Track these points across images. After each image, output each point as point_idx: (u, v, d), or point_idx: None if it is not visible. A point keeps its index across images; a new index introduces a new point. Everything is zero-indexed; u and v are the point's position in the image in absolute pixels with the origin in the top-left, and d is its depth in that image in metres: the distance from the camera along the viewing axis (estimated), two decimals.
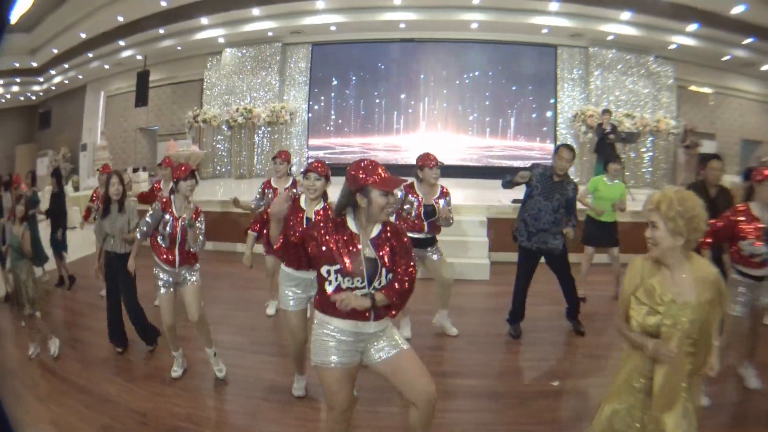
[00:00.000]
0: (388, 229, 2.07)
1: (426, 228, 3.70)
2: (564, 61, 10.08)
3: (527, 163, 9.79)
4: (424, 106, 10.50)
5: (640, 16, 9.55)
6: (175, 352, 3.47)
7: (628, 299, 1.85)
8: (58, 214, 5.66)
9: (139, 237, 3.35)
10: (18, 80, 15.38)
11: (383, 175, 1.96)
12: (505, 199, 6.67)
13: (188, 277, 3.33)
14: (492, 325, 4.19)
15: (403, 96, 10.52)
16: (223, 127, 10.69)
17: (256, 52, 10.80)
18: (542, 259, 4.03)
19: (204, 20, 10.84)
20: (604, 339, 3.92)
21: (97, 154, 12.23)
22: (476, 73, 10.30)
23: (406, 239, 2.09)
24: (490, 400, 3.12)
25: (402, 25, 10.07)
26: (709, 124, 10.31)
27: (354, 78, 10.62)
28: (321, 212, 2.80)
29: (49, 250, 5.76)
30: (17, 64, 14.34)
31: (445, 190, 3.79)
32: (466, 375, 3.39)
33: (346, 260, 1.97)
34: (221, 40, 11.03)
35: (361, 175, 1.95)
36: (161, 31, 11.53)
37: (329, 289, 2.00)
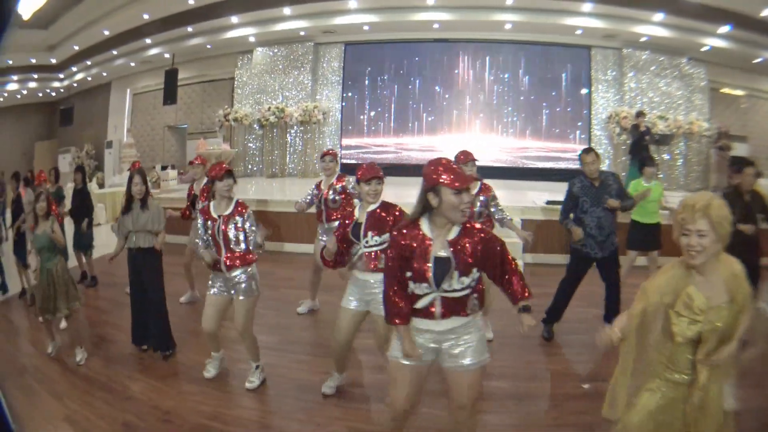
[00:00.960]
0: (470, 230, 1.99)
1: None
2: (598, 63, 10.09)
3: (561, 165, 9.98)
4: (458, 106, 10.51)
5: (672, 18, 9.55)
6: (215, 353, 3.34)
7: (647, 305, 1.86)
8: (82, 210, 5.62)
9: (201, 247, 3.18)
10: (35, 76, 15.29)
11: (454, 172, 1.90)
12: (539, 200, 6.69)
13: (241, 286, 3.10)
14: None
15: (436, 96, 10.53)
16: (255, 126, 10.69)
17: (288, 51, 10.80)
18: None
19: (234, 19, 10.83)
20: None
21: (124, 151, 12.24)
22: (510, 74, 10.30)
23: (487, 236, 2.02)
24: (520, 402, 3.10)
25: (435, 26, 10.08)
26: (740, 126, 10.33)
27: (387, 78, 10.63)
28: (377, 211, 2.75)
29: (70, 248, 5.66)
30: (33, 60, 14.25)
31: (485, 186, 3.71)
32: (496, 377, 3.33)
33: (415, 267, 1.96)
34: (252, 39, 11.02)
35: (431, 174, 1.92)
36: (189, 29, 11.51)
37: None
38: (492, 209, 3.70)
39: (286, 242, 6.64)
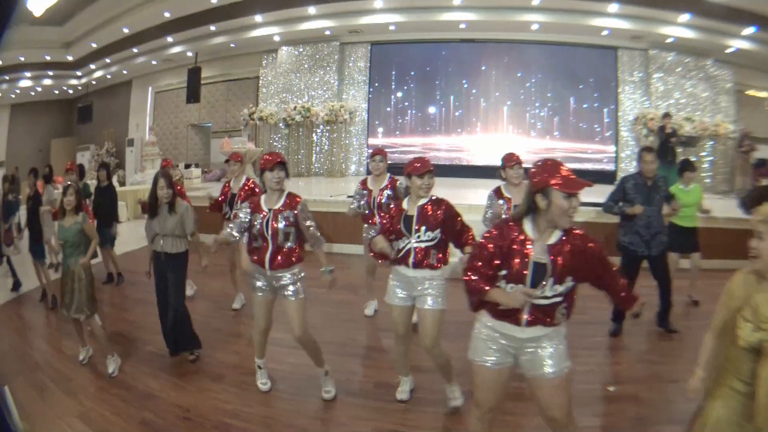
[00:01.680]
0: (572, 236, 1.93)
1: None
2: (624, 64, 10.11)
3: (588, 166, 10.00)
4: (484, 107, 10.53)
5: (698, 19, 9.56)
6: (259, 360, 3.14)
7: (726, 313, 1.88)
8: (109, 207, 5.48)
9: (233, 237, 2.98)
10: (51, 73, 15.26)
11: (566, 176, 1.84)
12: None
13: (288, 288, 2.91)
14: None
15: (463, 96, 10.55)
16: (281, 125, 10.72)
17: (314, 51, 10.82)
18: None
19: (258, 18, 10.84)
20: (665, 344, 3.90)
21: (146, 149, 12.26)
22: (537, 75, 10.32)
23: (592, 245, 1.96)
24: None
25: (462, 26, 10.08)
26: (766, 129, 10.33)
27: (414, 78, 10.65)
28: (427, 206, 2.70)
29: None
30: (48, 57, 14.22)
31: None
32: (519, 378, 3.29)
33: (513, 267, 1.91)
34: (277, 38, 11.03)
35: (542, 176, 1.86)
36: (212, 28, 11.53)
37: None
38: None
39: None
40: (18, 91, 15.49)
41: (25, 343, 4.20)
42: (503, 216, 3.60)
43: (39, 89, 15.62)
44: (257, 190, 4.34)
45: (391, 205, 3.90)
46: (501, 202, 3.67)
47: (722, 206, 6.73)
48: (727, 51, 9.98)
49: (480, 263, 1.98)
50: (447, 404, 2.90)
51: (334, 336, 4.01)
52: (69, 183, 3.67)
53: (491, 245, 1.96)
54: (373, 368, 3.43)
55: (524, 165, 3.62)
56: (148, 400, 3.06)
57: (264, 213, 2.84)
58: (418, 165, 2.68)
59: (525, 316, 1.94)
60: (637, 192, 3.91)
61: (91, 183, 6.17)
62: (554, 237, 1.93)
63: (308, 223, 2.90)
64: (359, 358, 3.60)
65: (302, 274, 2.95)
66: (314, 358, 3.04)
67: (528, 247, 1.91)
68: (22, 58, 13.75)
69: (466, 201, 6.14)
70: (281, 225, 2.81)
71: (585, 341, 3.96)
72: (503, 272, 1.94)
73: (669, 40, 9.88)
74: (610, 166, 9.98)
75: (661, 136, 8.47)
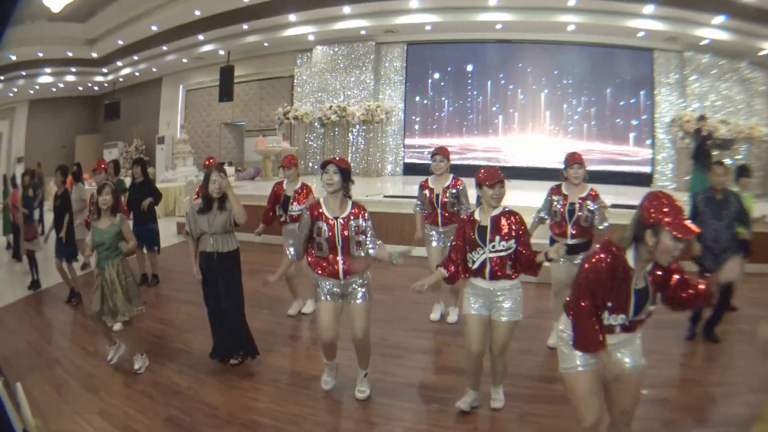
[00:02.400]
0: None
1: (570, 230, 3.61)
2: (660, 65, 10.13)
3: (623, 168, 10.04)
4: (521, 108, 10.58)
5: (733, 21, 9.59)
6: (328, 361, 3.06)
7: None
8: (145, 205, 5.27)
9: (293, 257, 2.90)
10: (74, 70, 15.28)
11: (679, 218, 1.83)
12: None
13: (358, 293, 2.87)
14: None
15: (500, 97, 10.59)
16: (316, 124, 10.78)
17: (349, 50, 10.87)
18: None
19: (292, 17, 10.90)
20: (698, 348, 3.91)
21: (177, 147, 12.33)
22: (573, 75, 10.34)
23: (678, 265, 2.01)
24: None
25: (498, 26, 10.12)
26: None
27: (451, 78, 10.69)
28: (502, 216, 2.66)
29: None
30: (70, 54, 14.25)
31: (593, 192, 3.64)
32: (552, 380, 3.17)
33: (616, 298, 1.95)
34: (311, 38, 11.09)
35: (655, 212, 1.85)
36: (245, 26, 11.58)
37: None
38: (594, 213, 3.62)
39: None
40: (37, 87, 15.52)
41: (43, 339, 4.15)
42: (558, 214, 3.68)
43: (61, 85, 15.64)
44: (312, 193, 4.36)
45: (455, 207, 3.97)
46: (556, 198, 3.69)
47: (757, 209, 6.79)
48: (761, 53, 10.00)
49: (597, 299, 1.97)
50: (489, 404, 2.88)
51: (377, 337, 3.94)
52: (105, 183, 3.54)
53: (605, 273, 1.95)
54: (405, 368, 3.41)
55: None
56: (174, 397, 3.01)
57: (329, 220, 2.77)
58: (488, 175, 2.66)
59: (619, 330, 2.02)
60: (707, 206, 3.93)
61: (125, 180, 6.13)
62: (651, 263, 1.97)
63: (370, 232, 2.87)
64: (391, 359, 3.55)
65: (370, 276, 2.96)
66: (362, 359, 3.04)
67: (630, 276, 1.95)
68: (41, 54, 13.77)
69: (505, 203, 6.15)
70: (352, 234, 2.77)
71: None
72: (609, 303, 1.96)
73: (704, 42, 9.89)
74: (646, 169, 10.04)
75: (697, 139, 8.50)
